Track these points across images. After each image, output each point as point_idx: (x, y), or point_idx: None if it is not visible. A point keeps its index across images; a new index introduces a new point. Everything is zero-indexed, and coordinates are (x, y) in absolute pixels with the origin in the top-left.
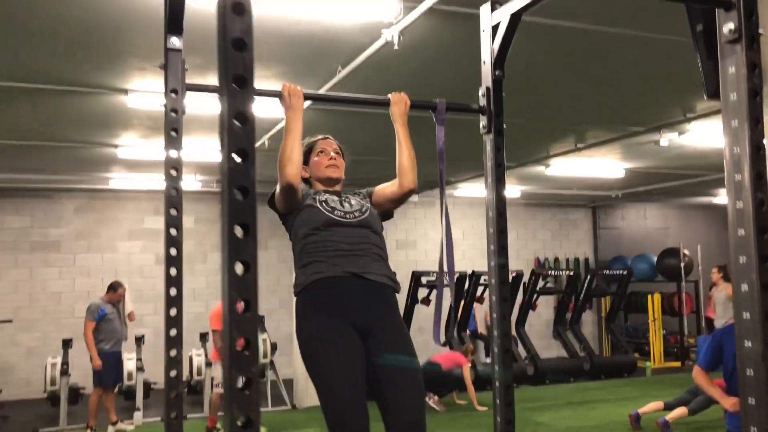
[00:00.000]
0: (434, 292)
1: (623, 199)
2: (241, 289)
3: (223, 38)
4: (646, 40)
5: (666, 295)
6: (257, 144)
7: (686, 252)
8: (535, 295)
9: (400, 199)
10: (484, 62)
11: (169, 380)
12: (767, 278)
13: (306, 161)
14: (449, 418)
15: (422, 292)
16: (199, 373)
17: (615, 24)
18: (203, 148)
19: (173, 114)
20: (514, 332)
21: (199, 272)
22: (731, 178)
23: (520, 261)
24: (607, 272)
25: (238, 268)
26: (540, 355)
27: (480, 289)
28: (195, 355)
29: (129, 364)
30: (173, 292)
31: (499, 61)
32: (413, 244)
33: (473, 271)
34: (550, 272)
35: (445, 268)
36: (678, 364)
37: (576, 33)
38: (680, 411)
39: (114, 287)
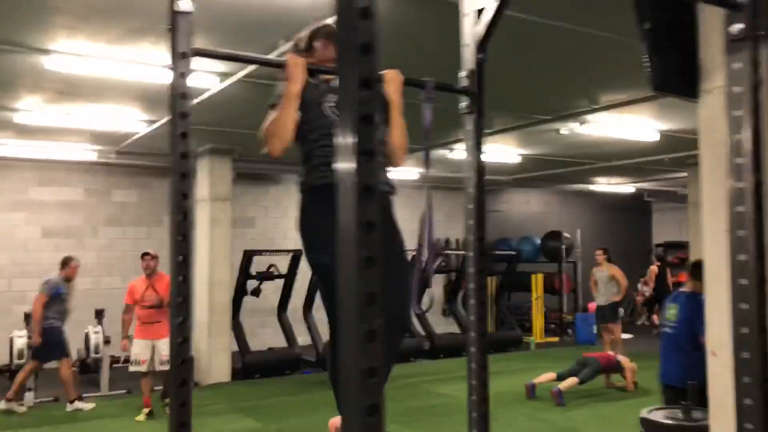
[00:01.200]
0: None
1: (509, 183)
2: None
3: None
4: (563, 31)
5: (547, 275)
6: None
7: (567, 235)
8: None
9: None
10: (467, 45)
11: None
12: (762, 250)
13: (310, 47)
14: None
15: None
16: (96, 350)
17: (530, 11)
18: (100, 116)
19: (182, 78)
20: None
21: (89, 247)
22: (732, 161)
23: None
24: (495, 253)
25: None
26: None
27: None
28: (92, 332)
29: (95, 337)
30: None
31: (482, 44)
32: (251, 221)
33: None
34: (442, 252)
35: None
36: (557, 339)
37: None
38: (571, 380)
39: (66, 262)
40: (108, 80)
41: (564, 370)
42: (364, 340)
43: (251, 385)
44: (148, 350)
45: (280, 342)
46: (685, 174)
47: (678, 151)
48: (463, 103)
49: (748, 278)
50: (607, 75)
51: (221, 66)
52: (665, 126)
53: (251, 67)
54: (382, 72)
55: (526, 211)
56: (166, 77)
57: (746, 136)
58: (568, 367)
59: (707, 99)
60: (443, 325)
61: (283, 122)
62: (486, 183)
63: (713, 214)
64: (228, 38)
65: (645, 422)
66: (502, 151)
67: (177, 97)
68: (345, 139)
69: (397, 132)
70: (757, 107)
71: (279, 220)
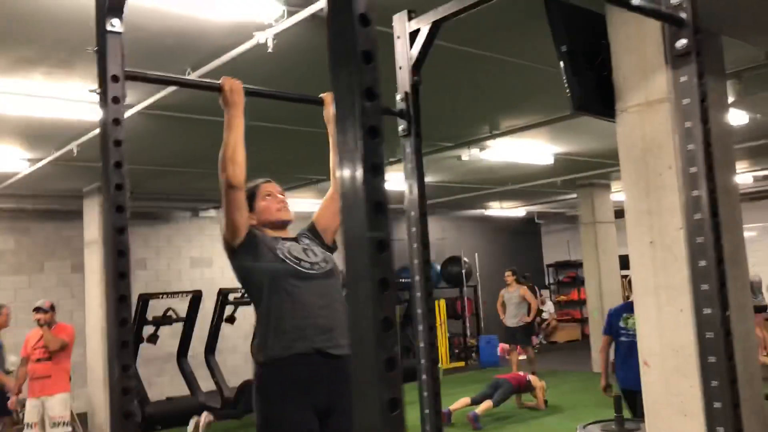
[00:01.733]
0: (239, 309)
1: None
2: (378, 263)
3: (349, 12)
4: (470, 56)
5: (449, 300)
6: (65, 150)
7: (466, 260)
8: None
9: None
10: (400, 67)
11: None
12: (721, 254)
13: (251, 208)
14: None
15: (229, 310)
16: None
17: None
18: None
19: (114, 104)
20: None
21: None
22: (686, 171)
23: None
24: (400, 281)
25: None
26: None
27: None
28: None
29: None
30: None
31: (417, 66)
32: (209, 261)
33: (220, 290)
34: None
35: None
36: (463, 363)
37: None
38: (486, 404)
39: None
40: None
41: (477, 394)
42: (384, 369)
43: None
44: (37, 411)
45: (178, 390)
46: (575, 195)
47: (570, 173)
48: (401, 126)
49: (710, 283)
50: (508, 100)
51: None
52: (559, 149)
53: (152, 99)
54: (323, 95)
55: None
56: (55, 111)
57: (698, 146)
58: (481, 391)
59: (624, 117)
60: None
61: (231, 149)
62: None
63: (637, 227)
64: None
65: None
66: (400, 179)
67: (109, 124)
68: (350, 155)
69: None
70: (705, 117)
71: (172, 260)
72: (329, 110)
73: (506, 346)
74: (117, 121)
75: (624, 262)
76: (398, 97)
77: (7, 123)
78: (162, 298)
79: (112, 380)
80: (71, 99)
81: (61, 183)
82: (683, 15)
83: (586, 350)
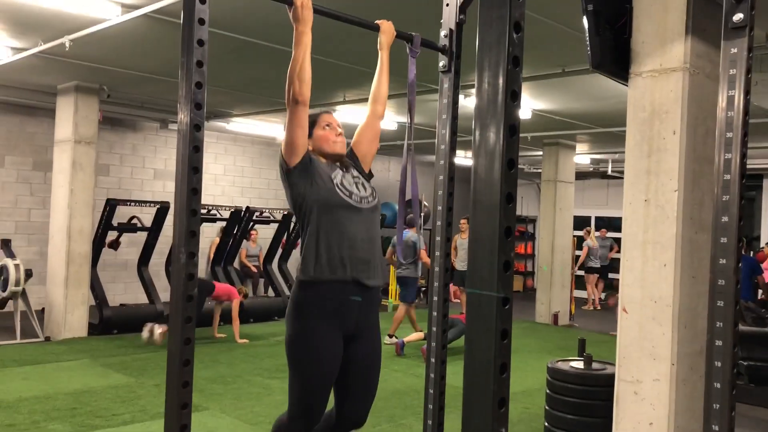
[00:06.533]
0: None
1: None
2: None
3: None
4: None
5: None
6: (55, 43)
7: (426, 203)
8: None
9: (375, 132)
10: (447, 4)
11: None
12: (741, 212)
13: (309, 134)
14: (212, 350)
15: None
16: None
17: None
18: None
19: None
20: (276, 267)
21: None
22: (722, 136)
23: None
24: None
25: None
26: None
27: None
28: (11, 265)
29: (14, 271)
30: None
31: (464, 6)
32: (172, 175)
33: (247, 207)
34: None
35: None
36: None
37: None
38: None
39: None
40: None
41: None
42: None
43: (111, 340)
44: None
45: (133, 299)
46: (539, 153)
47: (542, 131)
48: (441, 61)
49: (728, 237)
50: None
51: None
52: (539, 105)
53: (163, 3)
54: (378, 21)
55: (386, 178)
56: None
57: (738, 114)
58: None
59: (637, 81)
60: None
61: (299, 66)
62: None
63: (634, 185)
64: None
65: (552, 371)
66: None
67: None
68: (491, 82)
69: (385, 79)
70: (748, 88)
71: (136, 170)
72: (383, 37)
73: (456, 288)
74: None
75: (578, 222)
76: (442, 33)
77: None
78: (130, 205)
79: (178, 265)
80: None
81: (37, 77)
82: None
83: (529, 301)
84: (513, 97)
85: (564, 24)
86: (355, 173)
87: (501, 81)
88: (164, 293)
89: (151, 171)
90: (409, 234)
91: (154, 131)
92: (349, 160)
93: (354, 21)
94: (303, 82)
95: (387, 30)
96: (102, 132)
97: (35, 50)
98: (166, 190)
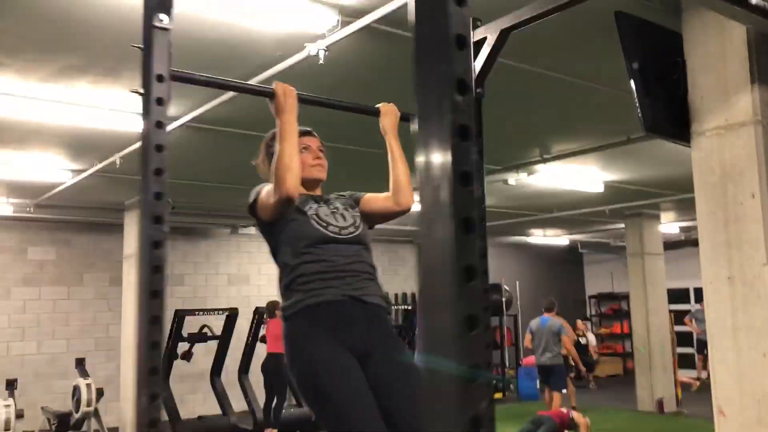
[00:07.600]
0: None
1: None
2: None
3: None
4: (524, 73)
5: (489, 329)
6: (108, 162)
7: (506, 287)
8: None
9: (392, 217)
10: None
11: None
12: None
13: None
14: None
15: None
16: (7, 428)
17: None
18: (20, 165)
19: (158, 105)
20: None
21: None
22: None
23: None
24: None
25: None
26: None
27: None
28: (2, 406)
29: (5, 412)
30: None
31: (480, 78)
32: (246, 279)
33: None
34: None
35: None
36: (500, 395)
37: None
38: None
39: None
40: (34, 124)
41: (519, 431)
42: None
43: None
44: None
45: (210, 410)
46: (621, 225)
47: (619, 202)
48: None
49: None
50: (562, 123)
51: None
52: (610, 176)
53: (197, 111)
54: (379, 105)
55: None
56: (100, 121)
57: None
58: (523, 427)
59: (700, 141)
60: None
61: (287, 158)
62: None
63: (713, 261)
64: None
65: None
66: None
67: (151, 127)
68: (433, 159)
69: (401, 168)
70: None
71: (210, 277)
72: (385, 121)
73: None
74: (160, 124)
75: (672, 296)
76: None
77: (51, 132)
78: (198, 314)
79: (140, 409)
80: (117, 109)
81: (103, 195)
82: None
83: (629, 386)
84: (465, 179)
85: (625, 90)
86: (336, 204)
87: (445, 159)
88: (238, 402)
89: (225, 277)
90: (551, 320)
91: (226, 236)
92: (347, 199)
93: (348, 107)
94: (294, 175)
95: (388, 112)
96: (175, 242)
97: (91, 171)
98: (240, 294)
